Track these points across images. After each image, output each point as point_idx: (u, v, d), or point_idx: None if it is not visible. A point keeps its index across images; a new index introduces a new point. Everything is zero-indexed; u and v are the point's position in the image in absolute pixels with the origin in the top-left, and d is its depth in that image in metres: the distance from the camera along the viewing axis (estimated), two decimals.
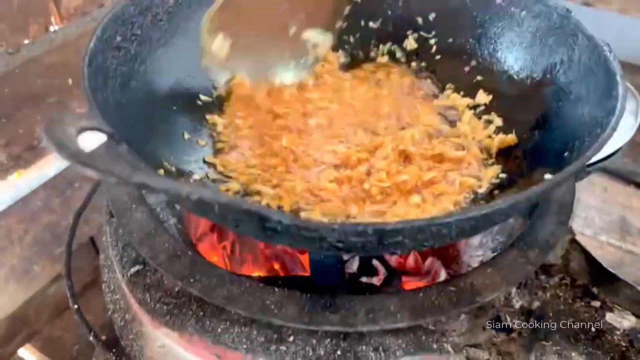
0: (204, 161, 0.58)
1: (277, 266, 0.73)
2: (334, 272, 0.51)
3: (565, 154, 0.49)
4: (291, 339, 0.47)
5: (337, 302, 0.46)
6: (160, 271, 0.49)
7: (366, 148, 0.58)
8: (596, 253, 1.39)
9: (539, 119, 0.58)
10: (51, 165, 0.93)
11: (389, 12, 0.71)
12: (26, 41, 0.87)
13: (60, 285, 1.07)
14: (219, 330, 0.47)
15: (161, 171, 0.49)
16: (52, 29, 0.91)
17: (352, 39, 0.72)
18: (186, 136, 0.59)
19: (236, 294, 0.46)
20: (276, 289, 0.47)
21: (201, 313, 0.48)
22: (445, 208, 0.52)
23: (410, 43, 0.71)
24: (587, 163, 1.03)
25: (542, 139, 0.56)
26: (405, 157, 0.58)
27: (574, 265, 0.72)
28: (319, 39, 0.54)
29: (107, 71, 0.53)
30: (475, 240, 0.72)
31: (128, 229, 0.51)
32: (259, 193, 0.53)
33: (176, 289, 0.52)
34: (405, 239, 0.39)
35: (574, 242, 0.72)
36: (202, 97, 0.64)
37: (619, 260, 1.30)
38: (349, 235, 0.38)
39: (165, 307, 0.50)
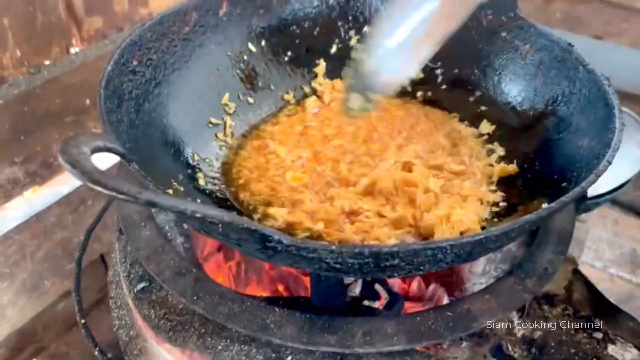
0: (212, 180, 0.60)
1: (281, 288, 0.74)
2: (334, 293, 0.52)
3: (563, 184, 0.50)
4: (289, 358, 0.48)
5: (335, 324, 0.47)
6: (165, 288, 0.50)
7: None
8: (606, 286, 1.38)
9: (540, 150, 0.59)
10: (66, 182, 0.95)
11: None
12: (47, 62, 0.91)
13: (69, 302, 1.09)
14: (219, 347, 0.48)
15: (170, 191, 0.51)
16: (72, 50, 0.94)
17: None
18: (196, 157, 0.61)
19: (237, 312, 0.48)
20: (276, 309, 0.48)
21: (203, 330, 0.49)
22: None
23: (417, 73, 0.73)
24: (594, 195, 1.04)
25: (542, 169, 0.57)
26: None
27: (576, 296, 0.73)
28: None
29: (122, 93, 0.55)
30: (479, 267, 0.73)
31: (136, 245, 0.53)
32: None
33: (180, 306, 0.53)
34: (402, 262, 0.41)
35: (577, 272, 0.73)
36: (213, 119, 0.66)
37: (629, 293, 1.29)
38: (346, 257, 0.39)
39: (169, 323, 0.51)
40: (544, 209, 0.41)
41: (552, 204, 0.41)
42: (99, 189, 0.33)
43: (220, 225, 0.40)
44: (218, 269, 0.73)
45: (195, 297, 0.48)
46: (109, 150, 0.41)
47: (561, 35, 0.64)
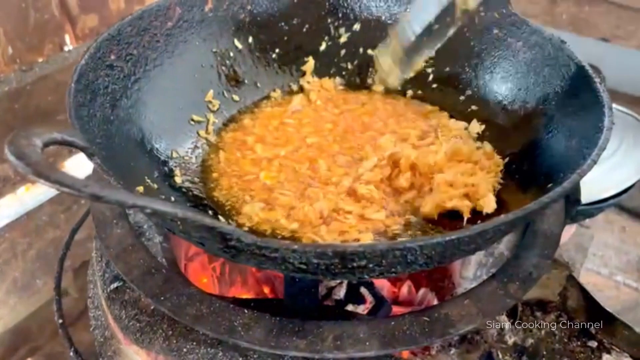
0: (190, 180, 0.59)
1: (266, 289, 0.72)
2: (307, 295, 0.50)
3: (549, 185, 0.48)
4: None
5: (305, 327, 0.45)
6: (132, 287, 0.49)
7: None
8: (611, 293, 1.35)
9: (529, 149, 0.56)
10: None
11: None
12: (40, 59, 0.90)
13: (65, 301, 1.08)
14: (185, 350, 0.46)
15: (140, 188, 0.49)
16: (66, 48, 0.94)
17: (349, 66, 0.73)
18: (174, 154, 0.60)
19: (205, 313, 0.46)
20: (246, 311, 0.46)
21: (170, 332, 0.48)
22: None
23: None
24: (597, 199, 1.01)
25: (530, 169, 0.55)
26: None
27: (571, 303, 0.70)
28: None
29: (97, 88, 0.54)
30: (470, 272, 0.70)
31: (106, 243, 0.52)
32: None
33: (151, 307, 0.51)
34: (370, 263, 0.39)
35: (571, 279, 0.70)
36: (195, 117, 0.65)
37: (635, 301, 1.25)
38: (310, 257, 0.38)
39: (137, 324, 0.50)
40: (520, 210, 0.38)
41: (530, 205, 0.39)
42: (42, 181, 0.32)
43: (178, 222, 0.38)
44: (202, 269, 0.71)
45: (162, 298, 0.47)
46: (66, 143, 0.40)
47: (568, 37, 0.61)
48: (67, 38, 0.93)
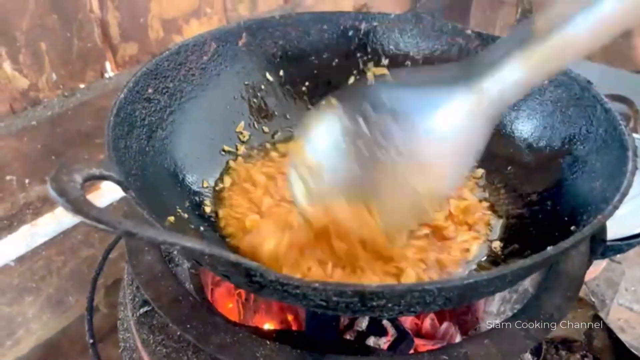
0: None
1: (290, 317, 0.74)
2: (328, 329, 0.51)
3: (572, 227, 0.48)
4: None
5: None
6: (159, 313, 0.51)
7: None
8: None
9: (553, 190, 0.57)
10: (95, 201, 0.98)
11: None
12: (82, 85, 0.94)
13: (96, 317, 1.11)
14: None
15: (172, 218, 0.51)
16: (107, 75, 0.98)
17: None
18: (205, 184, 0.62)
19: (229, 343, 0.47)
20: (267, 342, 0.47)
21: (195, 359, 0.49)
22: None
23: None
24: (627, 235, 0.99)
25: (553, 210, 0.55)
26: None
27: (597, 343, 0.69)
28: None
29: (134, 120, 0.56)
30: (493, 307, 0.70)
31: (137, 270, 0.54)
32: None
33: (178, 333, 0.53)
34: (389, 303, 0.40)
35: (597, 318, 0.69)
36: (226, 147, 0.67)
37: None
38: (330, 295, 0.39)
39: (164, 349, 0.52)
40: (538, 255, 0.39)
41: (549, 249, 0.40)
42: (81, 217, 0.34)
43: (206, 257, 0.40)
44: (228, 295, 0.73)
45: (188, 325, 0.48)
46: (104, 178, 0.42)
47: (601, 69, 0.62)
48: (107, 65, 0.97)
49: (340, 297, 0.39)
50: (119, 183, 0.44)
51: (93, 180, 0.41)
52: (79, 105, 0.92)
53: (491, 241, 0.57)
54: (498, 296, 0.68)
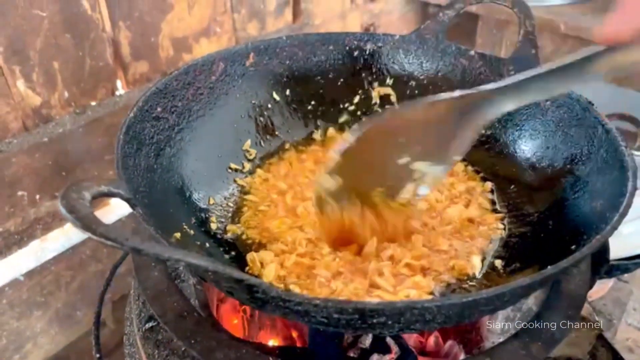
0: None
1: (294, 334, 0.74)
2: (331, 345, 0.51)
3: (573, 246, 0.49)
4: None
5: None
6: (164, 329, 0.52)
7: None
8: None
9: (554, 209, 0.57)
10: (102, 217, 0.99)
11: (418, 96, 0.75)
12: (93, 103, 0.96)
13: (104, 332, 1.12)
14: None
15: (178, 234, 0.53)
16: (117, 93, 1.00)
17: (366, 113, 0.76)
18: (211, 201, 0.63)
19: (232, 359, 0.48)
20: (271, 358, 0.48)
21: None
22: None
23: None
24: (635, 254, 0.99)
25: (555, 229, 0.55)
26: None
27: None
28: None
29: (143, 138, 0.58)
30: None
31: (144, 285, 0.55)
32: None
33: (182, 349, 0.54)
34: (389, 320, 0.40)
35: (601, 338, 0.69)
36: (233, 165, 0.68)
37: None
38: (331, 312, 0.40)
39: None
40: (538, 274, 0.40)
41: (548, 269, 0.40)
42: (89, 234, 0.35)
43: (210, 273, 0.41)
44: (233, 311, 0.74)
45: (192, 341, 0.49)
46: (112, 195, 0.43)
47: (607, 88, 0.63)
48: (119, 83, 0.99)
49: (341, 314, 0.39)
50: (126, 200, 0.45)
51: (102, 197, 0.42)
52: (90, 123, 0.94)
53: (493, 259, 0.58)
54: (501, 314, 0.68)
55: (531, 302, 0.65)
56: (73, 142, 0.92)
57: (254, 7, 1.14)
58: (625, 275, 1.17)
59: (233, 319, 0.74)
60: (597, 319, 0.66)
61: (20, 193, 0.87)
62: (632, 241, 0.95)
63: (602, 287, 1.10)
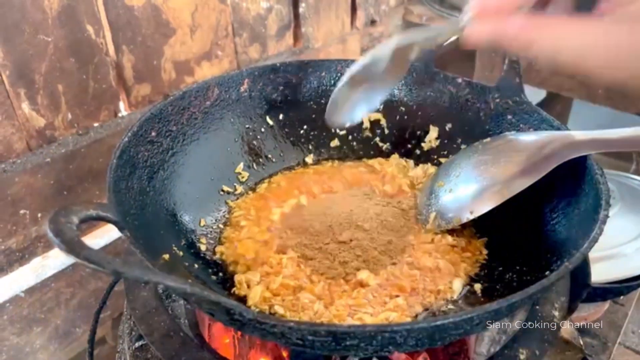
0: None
1: (285, 354, 0.75)
2: None
3: (546, 272, 0.50)
4: None
5: None
6: (151, 348, 0.53)
7: None
8: None
9: (533, 235, 0.59)
10: (102, 235, 1.02)
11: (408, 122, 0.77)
12: (96, 124, 0.99)
13: (103, 349, 1.13)
14: None
15: (167, 255, 0.54)
16: (120, 114, 1.02)
17: (372, 142, 0.78)
18: (202, 223, 0.65)
19: None
20: None
21: None
22: None
23: (427, 144, 0.76)
24: (630, 277, 0.99)
25: (533, 255, 0.57)
26: None
27: None
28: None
29: (137, 162, 0.60)
30: (483, 348, 0.71)
31: (132, 305, 0.56)
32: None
33: None
34: (361, 343, 0.42)
35: None
36: (225, 187, 0.70)
37: None
38: (305, 334, 0.41)
39: None
40: (504, 300, 0.41)
41: (515, 295, 0.42)
42: (73, 257, 0.37)
43: (190, 296, 0.43)
44: (225, 330, 0.75)
45: None
46: (100, 218, 0.45)
47: (605, 111, 0.65)
48: (121, 105, 1.02)
49: (314, 336, 0.41)
50: (115, 223, 0.47)
51: (90, 220, 0.44)
52: (92, 143, 0.96)
53: (474, 282, 0.59)
54: (487, 337, 0.69)
55: (516, 326, 0.66)
56: (75, 162, 0.95)
57: (255, 31, 1.17)
58: (621, 298, 1.17)
59: (224, 338, 0.75)
60: (581, 343, 0.67)
61: (22, 211, 0.89)
62: (625, 264, 0.96)
63: (597, 310, 1.10)
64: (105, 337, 1.13)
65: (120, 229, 0.47)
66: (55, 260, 0.97)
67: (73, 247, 0.38)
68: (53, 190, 0.93)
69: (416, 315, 0.55)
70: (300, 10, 1.23)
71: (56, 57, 0.87)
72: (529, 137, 0.62)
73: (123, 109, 1.03)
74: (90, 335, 0.73)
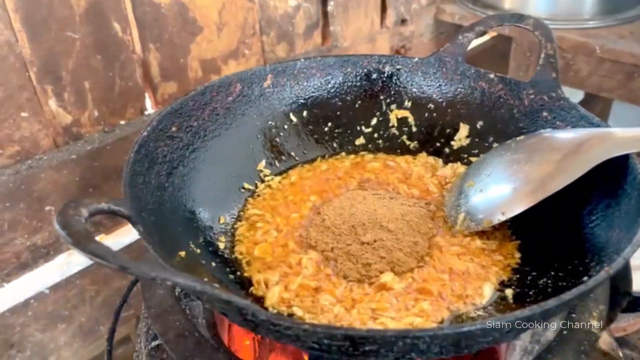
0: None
1: (306, 357, 0.73)
2: None
3: (584, 278, 0.47)
4: None
5: None
6: (165, 348, 0.52)
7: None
8: None
9: (570, 238, 0.55)
10: (127, 233, 1.01)
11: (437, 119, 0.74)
12: (122, 122, 0.99)
13: (127, 348, 1.13)
14: None
15: (183, 253, 0.53)
16: (146, 112, 1.02)
17: (398, 140, 0.75)
18: (222, 220, 0.63)
19: None
20: None
21: None
22: None
23: (456, 143, 0.73)
24: None
25: (569, 259, 0.53)
26: None
27: None
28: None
29: (155, 157, 0.59)
30: (515, 358, 0.68)
31: (148, 303, 0.55)
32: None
33: None
34: (381, 349, 0.39)
35: None
36: (246, 185, 0.68)
37: None
38: (321, 338, 0.39)
39: None
40: (537, 306, 0.38)
41: (549, 302, 0.38)
42: (79, 250, 0.36)
43: (203, 295, 0.41)
44: (245, 332, 0.73)
45: None
46: (112, 212, 0.44)
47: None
48: (147, 103, 1.01)
49: (330, 339, 0.38)
50: (127, 218, 0.45)
51: (101, 214, 0.43)
52: (118, 141, 0.96)
53: (505, 287, 0.56)
54: (519, 347, 0.66)
55: (550, 335, 0.62)
56: (100, 160, 0.95)
57: (283, 30, 1.16)
58: None
59: (245, 340, 0.73)
60: (621, 355, 0.62)
61: (47, 208, 0.90)
62: None
63: (637, 321, 1.05)
64: (130, 336, 1.13)
65: (133, 223, 0.46)
66: (80, 257, 0.96)
67: (79, 239, 0.36)
68: (78, 187, 0.93)
69: (442, 321, 0.52)
70: (329, 8, 1.21)
71: (83, 54, 0.87)
72: (566, 135, 0.59)
73: (149, 107, 1.02)
74: (109, 334, 0.72)
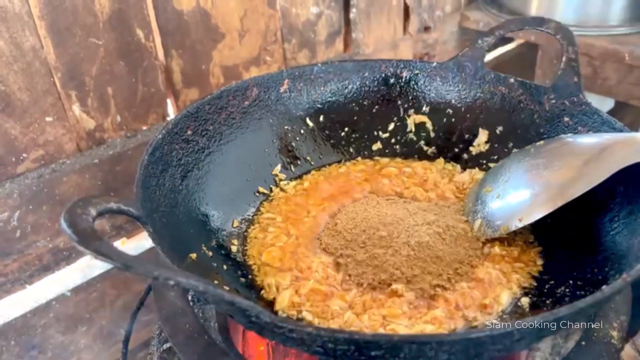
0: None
1: None
2: None
3: (603, 286, 0.45)
4: None
5: None
6: (175, 350, 0.52)
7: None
8: None
9: (590, 245, 0.53)
10: (149, 237, 1.02)
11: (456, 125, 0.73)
12: (144, 127, 1.00)
13: (148, 352, 1.14)
14: None
15: (194, 255, 0.53)
16: (168, 118, 1.03)
17: (416, 145, 0.74)
18: (235, 224, 0.63)
19: None
20: None
21: None
22: None
23: (475, 148, 0.71)
24: None
25: (588, 267, 0.51)
26: None
27: None
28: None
29: (170, 160, 0.59)
30: None
31: (159, 305, 0.55)
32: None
33: None
34: (387, 355, 0.38)
35: None
36: (261, 189, 0.68)
37: None
38: (325, 342, 0.38)
39: None
40: (550, 313, 0.36)
41: (562, 309, 0.37)
42: (82, 248, 0.36)
43: (208, 296, 0.41)
44: (259, 337, 0.73)
45: None
46: (121, 212, 0.44)
47: None
48: (169, 109, 1.02)
49: (335, 343, 0.38)
50: (136, 218, 0.46)
51: (110, 214, 0.43)
52: (139, 146, 0.97)
53: (520, 296, 0.54)
54: (538, 358, 0.64)
55: (571, 346, 0.60)
56: (122, 164, 0.96)
57: (305, 37, 1.16)
58: None
59: (259, 345, 0.73)
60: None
61: None
62: None
63: None
64: (150, 340, 1.14)
65: (143, 224, 0.46)
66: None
67: (84, 238, 0.36)
68: (100, 190, 0.94)
69: (455, 329, 0.51)
70: (351, 15, 1.21)
71: (106, 60, 0.88)
72: (588, 139, 0.57)
73: (171, 113, 1.03)
74: (125, 336, 0.73)
